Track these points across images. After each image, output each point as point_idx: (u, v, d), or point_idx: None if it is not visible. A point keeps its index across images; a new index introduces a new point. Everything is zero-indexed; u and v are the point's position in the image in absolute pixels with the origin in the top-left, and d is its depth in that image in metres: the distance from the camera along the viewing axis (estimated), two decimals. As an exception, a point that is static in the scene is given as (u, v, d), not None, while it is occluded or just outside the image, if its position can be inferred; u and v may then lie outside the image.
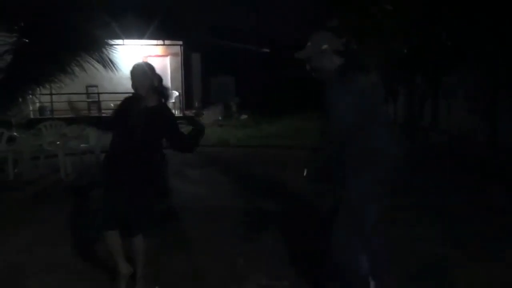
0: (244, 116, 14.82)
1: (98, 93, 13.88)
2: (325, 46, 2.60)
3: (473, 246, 3.94)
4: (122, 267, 3.06)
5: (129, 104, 3.09)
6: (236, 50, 16.31)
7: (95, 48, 8.05)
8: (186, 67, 15.58)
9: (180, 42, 15.25)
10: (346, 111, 2.42)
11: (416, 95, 10.78)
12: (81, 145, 7.47)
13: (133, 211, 2.98)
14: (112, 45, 8.56)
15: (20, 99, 8.14)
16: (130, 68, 3.03)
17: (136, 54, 14.59)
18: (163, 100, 3.12)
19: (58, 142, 7.39)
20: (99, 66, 8.62)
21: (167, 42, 15.52)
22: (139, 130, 2.94)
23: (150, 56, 15.86)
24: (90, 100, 14.22)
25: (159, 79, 3.07)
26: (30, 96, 8.48)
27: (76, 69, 8.04)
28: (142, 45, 14.79)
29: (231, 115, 14.88)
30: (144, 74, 2.98)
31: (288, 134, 11.54)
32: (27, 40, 7.42)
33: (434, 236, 4.17)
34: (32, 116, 13.40)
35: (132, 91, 3.06)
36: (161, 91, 3.09)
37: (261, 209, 5.18)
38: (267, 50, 17.40)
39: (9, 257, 3.80)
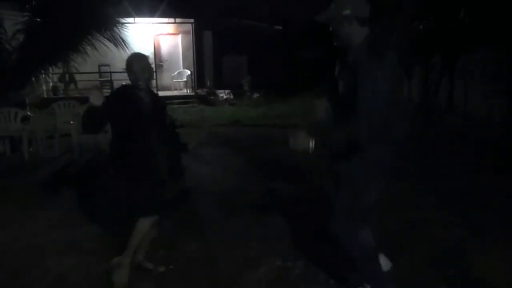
0: (256, 95, 14.71)
1: (110, 72, 13.88)
2: (347, 12, 2.39)
3: (491, 231, 3.89)
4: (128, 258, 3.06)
5: (128, 95, 2.97)
6: (248, 28, 16.09)
7: (106, 26, 8.03)
8: (197, 45, 15.44)
9: (192, 20, 15.07)
10: (375, 91, 2.26)
11: (432, 75, 10.57)
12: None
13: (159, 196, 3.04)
14: (123, 23, 8.52)
15: (33, 79, 8.20)
16: (129, 58, 2.94)
17: (147, 33, 14.51)
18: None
19: (71, 122, 7.42)
20: (110, 45, 8.61)
21: (178, 20, 15.35)
22: (152, 120, 2.97)
23: (161, 34, 15.76)
24: (102, 79, 14.25)
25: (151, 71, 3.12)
26: (43, 75, 8.53)
27: (88, 48, 8.04)
28: (153, 23, 14.66)
29: (242, 94, 14.78)
30: (146, 66, 2.94)
31: (300, 113, 11.43)
32: (39, 19, 7.42)
33: (451, 221, 4.13)
34: (45, 96, 13.47)
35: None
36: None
37: (274, 190, 5.18)
38: (280, 28, 17.13)
39: (27, 239, 3.86)
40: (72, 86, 14.17)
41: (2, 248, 3.69)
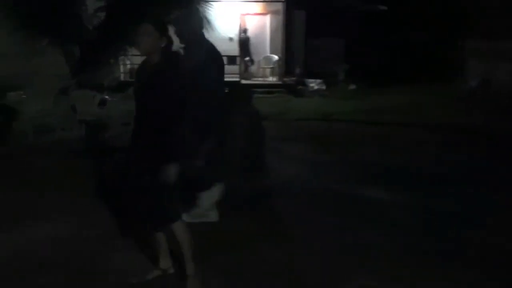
0: (352, 86, 14.42)
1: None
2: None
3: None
4: (161, 261, 3.20)
5: (140, 67, 3.11)
6: (347, 8, 15.79)
7: (189, 4, 8.30)
8: (288, 27, 15.45)
9: (283, -2, 15.15)
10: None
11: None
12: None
13: (147, 200, 2.99)
14: (208, 1, 8.77)
15: (112, 60, 8.72)
16: None
17: (233, 12, 14.82)
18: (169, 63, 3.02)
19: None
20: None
21: (268, -2, 15.51)
22: (142, 95, 2.98)
23: (248, 14, 15.99)
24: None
25: (169, 40, 3.01)
26: (122, 56, 9.05)
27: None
28: (240, 1, 14.94)
29: (336, 85, 14.56)
30: (143, 33, 2.90)
31: (404, 109, 11.05)
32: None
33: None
34: (122, 79, 14.26)
35: None
36: (168, 54, 3.01)
37: (367, 197, 5.06)
38: (384, 8, 16.60)
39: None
40: None
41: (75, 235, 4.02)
